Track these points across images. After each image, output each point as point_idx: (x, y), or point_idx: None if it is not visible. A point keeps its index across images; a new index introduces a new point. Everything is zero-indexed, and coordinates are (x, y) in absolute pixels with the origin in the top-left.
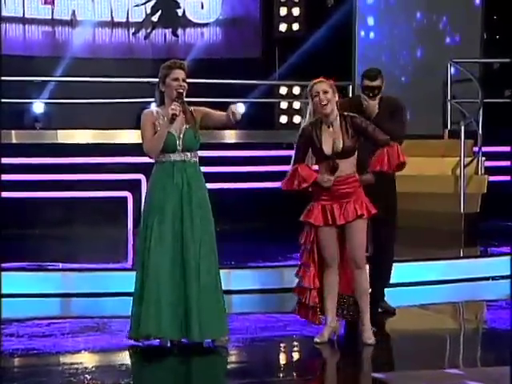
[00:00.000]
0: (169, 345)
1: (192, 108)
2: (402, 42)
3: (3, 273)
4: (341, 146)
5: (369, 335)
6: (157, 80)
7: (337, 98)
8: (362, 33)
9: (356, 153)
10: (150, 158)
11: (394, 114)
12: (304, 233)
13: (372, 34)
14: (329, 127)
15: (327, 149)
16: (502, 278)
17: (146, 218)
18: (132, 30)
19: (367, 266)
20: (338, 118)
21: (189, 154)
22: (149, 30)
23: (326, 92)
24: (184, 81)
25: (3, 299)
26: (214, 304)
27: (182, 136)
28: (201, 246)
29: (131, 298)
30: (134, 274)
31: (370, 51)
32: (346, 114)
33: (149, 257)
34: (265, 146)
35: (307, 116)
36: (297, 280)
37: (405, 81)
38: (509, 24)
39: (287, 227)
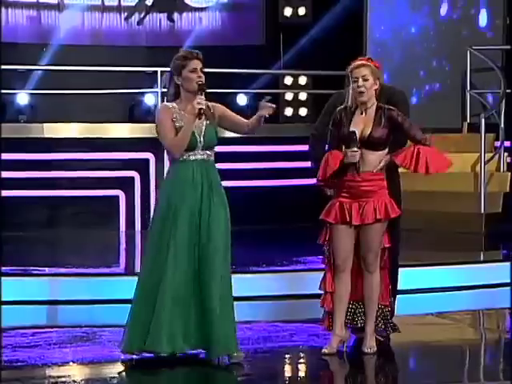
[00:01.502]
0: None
1: (210, 103)
2: (418, 28)
3: None
4: (368, 133)
5: (370, 344)
6: (148, 69)
7: (377, 86)
8: (374, 18)
9: (387, 149)
10: (174, 157)
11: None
12: (322, 232)
13: (385, 19)
14: (362, 113)
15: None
16: None
17: (161, 222)
18: (124, 15)
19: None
20: (375, 107)
21: (208, 152)
22: (142, 15)
23: (365, 79)
24: (202, 71)
25: None
26: (231, 315)
27: (203, 133)
28: (219, 252)
29: (123, 305)
30: (124, 278)
31: (382, 37)
32: (383, 105)
33: (165, 265)
34: (268, 141)
35: (348, 100)
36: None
37: (421, 69)
38: None
39: (293, 228)
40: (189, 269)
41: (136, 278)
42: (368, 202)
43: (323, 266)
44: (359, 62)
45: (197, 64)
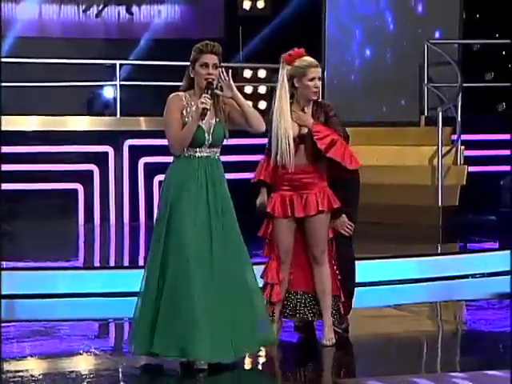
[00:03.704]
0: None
1: (223, 99)
2: (376, 22)
3: None
4: (306, 130)
5: (328, 336)
6: (109, 62)
7: None
8: (332, 11)
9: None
10: (174, 153)
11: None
12: (264, 225)
13: (343, 13)
14: (302, 110)
15: (293, 131)
16: (483, 275)
17: (167, 222)
18: (82, 7)
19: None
20: (312, 103)
21: (215, 149)
22: (101, 7)
23: (320, 79)
24: (216, 67)
25: None
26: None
27: (211, 131)
28: (230, 246)
29: (81, 299)
30: (82, 272)
31: (340, 32)
32: (321, 101)
33: (187, 269)
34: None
35: (280, 98)
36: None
37: (378, 63)
38: (489, 2)
39: (253, 222)
40: (210, 272)
41: (93, 272)
42: (309, 193)
43: (264, 257)
44: (314, 61)
45: (210, 59)
